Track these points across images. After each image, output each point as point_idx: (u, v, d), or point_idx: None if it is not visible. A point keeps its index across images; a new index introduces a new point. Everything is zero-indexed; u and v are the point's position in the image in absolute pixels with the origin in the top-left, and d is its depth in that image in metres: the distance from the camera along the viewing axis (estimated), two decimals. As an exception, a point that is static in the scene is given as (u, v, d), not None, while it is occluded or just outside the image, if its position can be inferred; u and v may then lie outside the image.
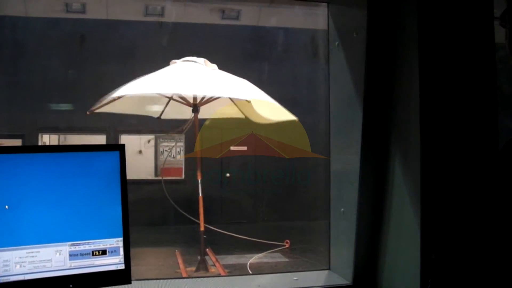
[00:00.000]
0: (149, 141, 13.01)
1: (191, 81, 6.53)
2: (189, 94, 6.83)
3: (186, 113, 7.49)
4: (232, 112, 7.50)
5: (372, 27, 2.07)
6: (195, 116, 7.13)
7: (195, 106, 6.98)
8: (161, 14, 11.87)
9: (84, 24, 11.39)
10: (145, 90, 6.65)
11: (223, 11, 12.11)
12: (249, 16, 12.38)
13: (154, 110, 7.67)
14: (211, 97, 6.90)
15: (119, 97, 6.53)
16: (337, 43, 2.34)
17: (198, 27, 11.80)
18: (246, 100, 6.67)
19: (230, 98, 7.13)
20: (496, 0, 1.92)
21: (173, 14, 12.07)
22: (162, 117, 7.70)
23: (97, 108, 6.92)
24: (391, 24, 2.05)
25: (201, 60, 7.03)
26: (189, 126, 8.12)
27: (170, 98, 7.12)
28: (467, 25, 1.92)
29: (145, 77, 6.60)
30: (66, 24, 11.30)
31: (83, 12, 11.43)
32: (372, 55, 2.08)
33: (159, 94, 6.97)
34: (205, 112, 7.38)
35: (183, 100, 6.93)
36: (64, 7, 11.31)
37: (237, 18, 12.35)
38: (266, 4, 11.93)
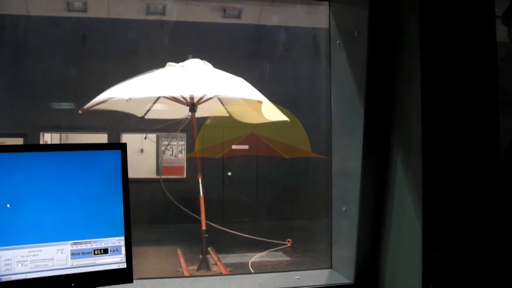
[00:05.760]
0: (145, 138, 12.97)
1: (186, 82, 6.49)
2: (181, 95, 6.79)
3: (174, 112, 7.44)
4: (218, 111, 7.49)
5: (374, 26, 2.07)
6: (193, 115, 7.11)
7: (193, 105, 6.96)
8: (163, 13, 11.87)
9: (86, 23, 11.39)
10: (139, 94, 6.59)
11: (224, 10, 12.11)
12: (251, 15, 12.37)
13: (140, 108, 7.53)
14: (202, 97, 6.88)
15: (106, 100, 6.50)
16: (338, 42, 2.34)
17: (200, 26, 11.80)
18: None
19: (218, 99, 7.11)
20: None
21: (175, 13, 12.07)
22: (147, 117, 7.60)
23: (89, 108, 6.89)
24: (393, 23, 2.05)
25: (200, 62, 7.01)
26: (182, 126, 8.11)
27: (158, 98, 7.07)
28: (468, 23, 1.91)
29: (138, 79, 6.55)
30: (67, 23, 11.30)
31: (85, 11, 11.43)
32: (373, 54, 2.08)
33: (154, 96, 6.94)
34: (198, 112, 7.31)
35: (181, 99, 6.90)
36: (66, 6, 11.32)
37: (238, 16, 12.34)
38: (267, 2, 11.92)
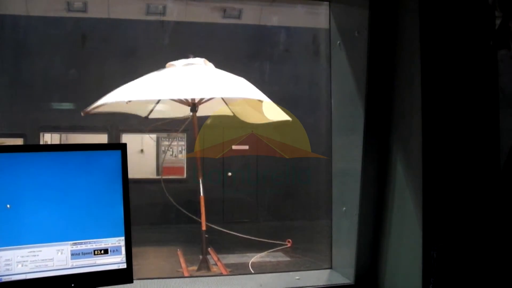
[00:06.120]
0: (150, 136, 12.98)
1: (187, 84, 6.47)
2: (184, 97, 6.78)
3: (177, 112, 7.44)
4: (222, 110, 7.48)
5: (374, 26, 2.07)
6: (194, 115, 7.10)
7: (194, 105, 6.95)
8: (163, 13, 11.87)
9: (86, 23, 11.39)
10: (142, 97, 6.59)
11: (224, 10, 12.11)
12: (251, 15, 12.37)
13: (143, 109, 7.52)
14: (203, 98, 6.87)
15: (105, 104, 6.50)
16: (338, 42, 2.34)
17: (200, 26, 11.80)
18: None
19: (222, 98, 7.10)
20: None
21: (175, 13, 12.07)
22: (150, 116, 7.61)
23: (91, 110, 6.89)
24: (393, 23, 2.05)
25: (200, 60, 7.01)
26: (184, 127, 8.10)
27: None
28: (468, 24, 1.91)
29: (141, 81, 6.55)
30: (67, 23, 11.30)
31: (85, 11, 11.43)
32: (373, 54, 2.08)
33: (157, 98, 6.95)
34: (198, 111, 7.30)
35: (182, 99, 6.89)
36: (66, 6, 11.32)
37: (238, 17, 12.34)
38: (267, 3, 11.93)
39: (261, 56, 12.17)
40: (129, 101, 6.34)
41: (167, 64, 7.05)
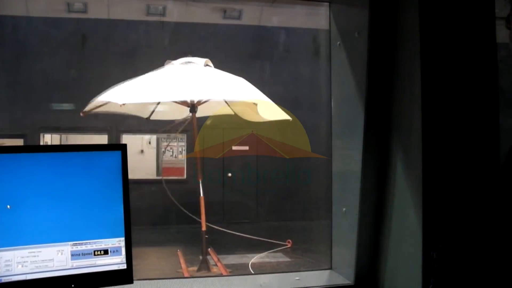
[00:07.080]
0: (149, 142, 13.01)
1: (186, 85, 6.46)
2: (184, 99, 6.77)
3: (178, 113, 7.45)
4: (223, 110, 7.47)
5: (374, 27, 2.07)
6: (193, 116, 7.10)
7: (193, 106, 6.95)
8: (163, 14, 11.88)
9: (86, 23, 11.39)
10: (140, 99, 6.55)
11: (224, 11, 12.11)
12: (251, 16, 12.38)
13: (144, 110, 7.53)
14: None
15: (106, 103, 6.46)
16: (338, 43, 2.34)
17: (200, 27, 11.80)
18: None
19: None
20: (497, 0, 1.92)
21: (175, 14, 12.08)
22: (152, 118, 7.61)
23: (90, 110, 6.88)
24: (393, 24, 2.05)
25: (200, 60, 7.00)
26: (183, 126, 8.11)
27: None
28: (468, 25, 1.91)
29: (139, 81, 6.52)
30: (67, 24, 11.31)
31: (85, 11, 11.43)
32: (373, 54, 2.08)
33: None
34: (198, 111, 7.29)
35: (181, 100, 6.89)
36: (66, 7, 11.32)
37: (238, 17, 12.35)
38: (267, 3, 11.93)
39: (261, 57, 12.17)
40: (123, 104, 6.26)
41: (166, 62, 7.05)
